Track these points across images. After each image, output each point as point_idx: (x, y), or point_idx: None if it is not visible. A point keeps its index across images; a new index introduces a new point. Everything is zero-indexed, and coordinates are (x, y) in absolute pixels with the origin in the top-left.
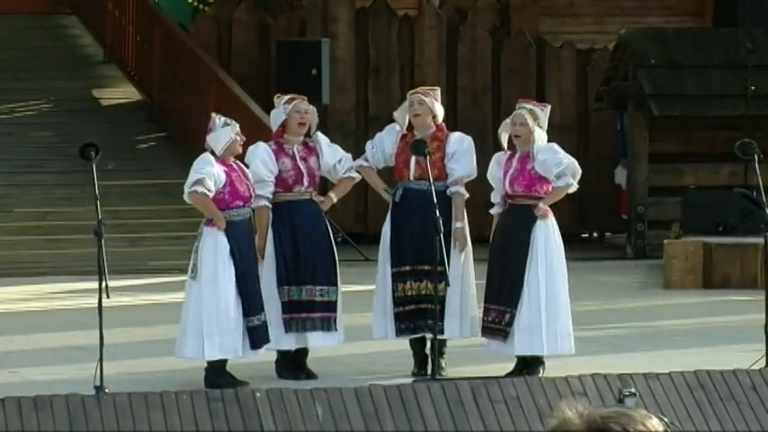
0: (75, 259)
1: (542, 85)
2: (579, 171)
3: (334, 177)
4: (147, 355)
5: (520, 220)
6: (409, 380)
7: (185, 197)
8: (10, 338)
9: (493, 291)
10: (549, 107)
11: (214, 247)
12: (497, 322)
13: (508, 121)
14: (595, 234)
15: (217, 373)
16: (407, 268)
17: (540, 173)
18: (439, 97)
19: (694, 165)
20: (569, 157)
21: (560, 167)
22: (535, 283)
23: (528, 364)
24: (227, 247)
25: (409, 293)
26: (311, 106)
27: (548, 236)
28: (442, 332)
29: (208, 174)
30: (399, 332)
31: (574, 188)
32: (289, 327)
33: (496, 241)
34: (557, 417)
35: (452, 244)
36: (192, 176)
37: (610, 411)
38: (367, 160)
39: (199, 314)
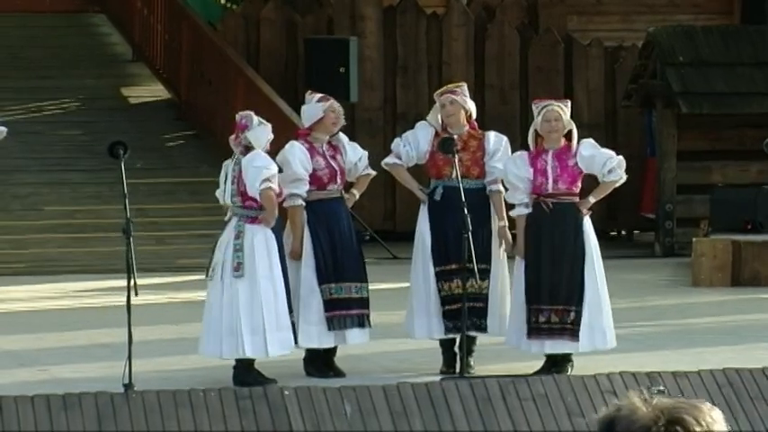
0: (103, 257)
1: (570, 83)
2: (625, 164)
3: (353, 175)
4: (176, 353)
5: (567, 217)
6: (438, 378)
7: (255, 192)
8: (39, 336)
9: (542, 291)
10: (569, 102)
11: (265, 244)
12: (559, 322)
13: (539, 119)
14: (623, 232)
15: (245, 371)
16: (454, 266)
17: (583, 168)
18: (467, 93)
19: (722, 162)
20: (611, 151)
21: (613, 162)
22: (592, 279)
23: (556, 363)
24: (276, 245)
25: (456, 291)
26: (341, 107)
27: (592, 232)
28: (485, 330)
29: (275, 171)
30: (448, 330)
31: (622, 181)
32: (331, 324)
33: (537, 241)
34: (622, 403)
35: (499, 242)
36: (263, 173)
37: (678, 401)
38: (400, 158)
39: (254, 312)
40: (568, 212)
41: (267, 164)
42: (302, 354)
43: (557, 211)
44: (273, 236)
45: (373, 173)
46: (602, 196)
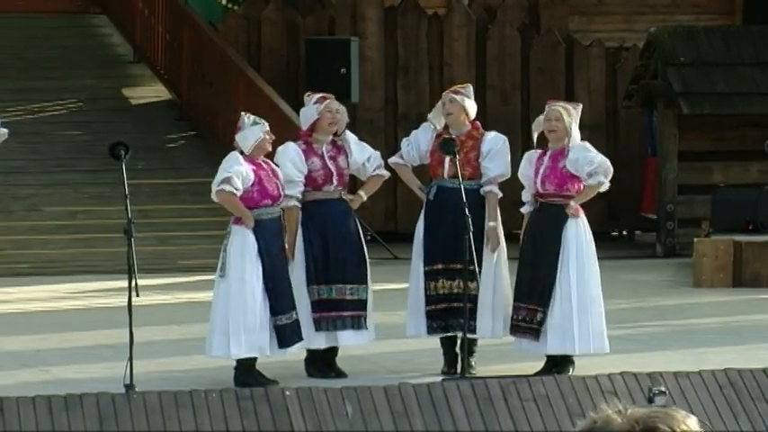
0: (104, 258)
1: (571, 84)
2: (611, 170)
3: (363, 175)
4: (177, 354)
5: (551, 219)
6: (439, 378)
7: (213, 196)
8: (41, 337)
9: (523, 289)
10: (581, 106)
11: (242, 246)
12: (528, 321)
13: (541, 118)
14: (625, 232)
15: (246, 372)
16: (440, 266)
17: (572, 171)
18: (471, 94)
19: (724, 163)
20: (601, 155)
21: (592, 166)
22: (567, 282)
23: (557, 363)
24: (255, 246)
25: (441, 292)
26: (342, 106)
27: (579, 235)
28: (474, 331)
29: (235, 172)
30: (431, 330)
31: (605, 187)
32: (319, 325)
33: (527, 240)
34: (597, 416)
35: (485, 243)
36: (220, 175)
37: (652, 411)
38: (402, 158)
39: (226, 313)
40: (552, 214)
41: (228, 166)
42: (303, 354)
43: (541, 211)
44: (253, 237)
45: (386, 174)
46: (584, 200)
